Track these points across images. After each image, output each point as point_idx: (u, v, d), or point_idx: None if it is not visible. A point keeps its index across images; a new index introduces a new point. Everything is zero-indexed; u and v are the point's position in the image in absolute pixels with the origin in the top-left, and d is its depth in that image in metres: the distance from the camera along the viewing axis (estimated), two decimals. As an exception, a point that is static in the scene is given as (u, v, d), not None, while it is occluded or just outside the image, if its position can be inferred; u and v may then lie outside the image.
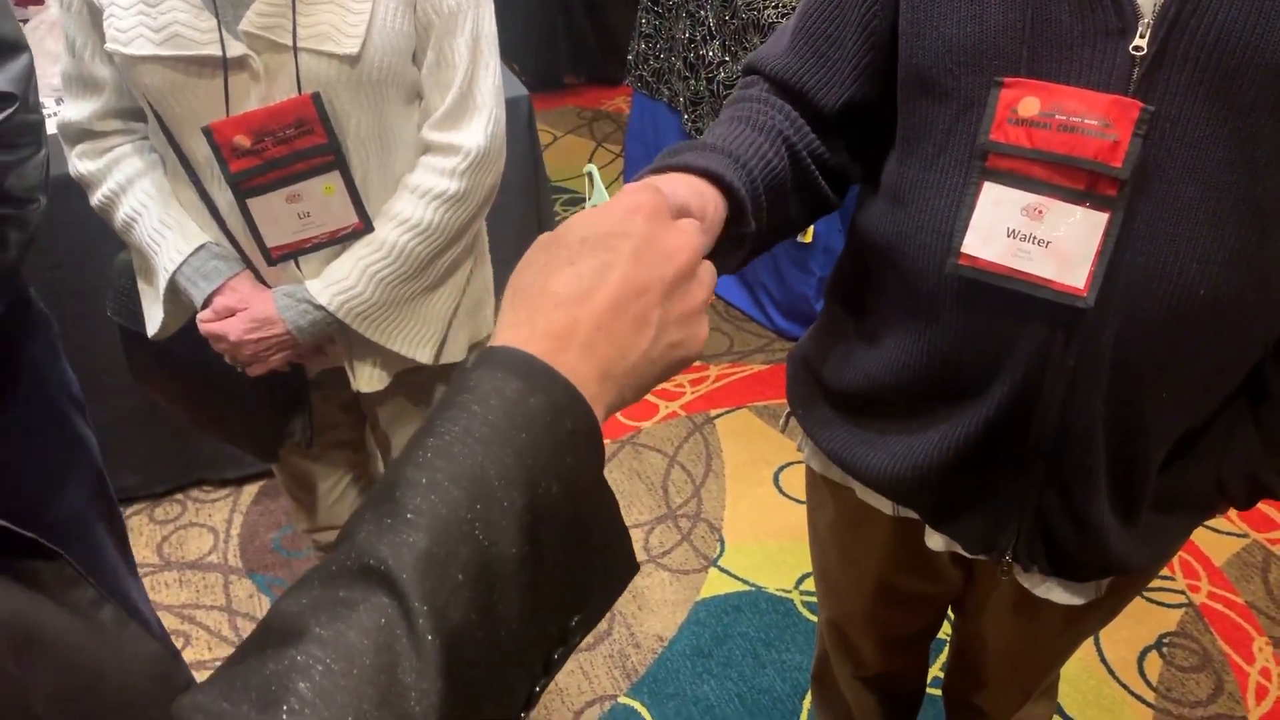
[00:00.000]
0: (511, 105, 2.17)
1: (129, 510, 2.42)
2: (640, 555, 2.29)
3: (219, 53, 1.09)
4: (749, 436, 2.60)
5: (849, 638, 1.45)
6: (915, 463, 1.06)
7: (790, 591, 2.19)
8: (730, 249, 0.88)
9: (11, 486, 1.29)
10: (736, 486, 2.47)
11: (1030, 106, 0.87)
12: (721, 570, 2.25)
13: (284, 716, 0.37)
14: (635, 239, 0.55)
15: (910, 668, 1.54)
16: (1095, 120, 0.84)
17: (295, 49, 1.09)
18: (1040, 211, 0.88)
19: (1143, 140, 0.83)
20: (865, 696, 1.54)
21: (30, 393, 1.29)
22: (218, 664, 2.05)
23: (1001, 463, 1.01)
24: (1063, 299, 0.88)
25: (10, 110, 1.07)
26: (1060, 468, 0.99)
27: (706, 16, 2.80)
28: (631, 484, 2.48)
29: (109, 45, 1.11)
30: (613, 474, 2.51)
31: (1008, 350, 0.95)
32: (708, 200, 0.79)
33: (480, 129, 1.20)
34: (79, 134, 1.23)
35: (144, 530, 2.38)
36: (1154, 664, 2.05)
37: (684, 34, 2.92)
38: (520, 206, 2.27)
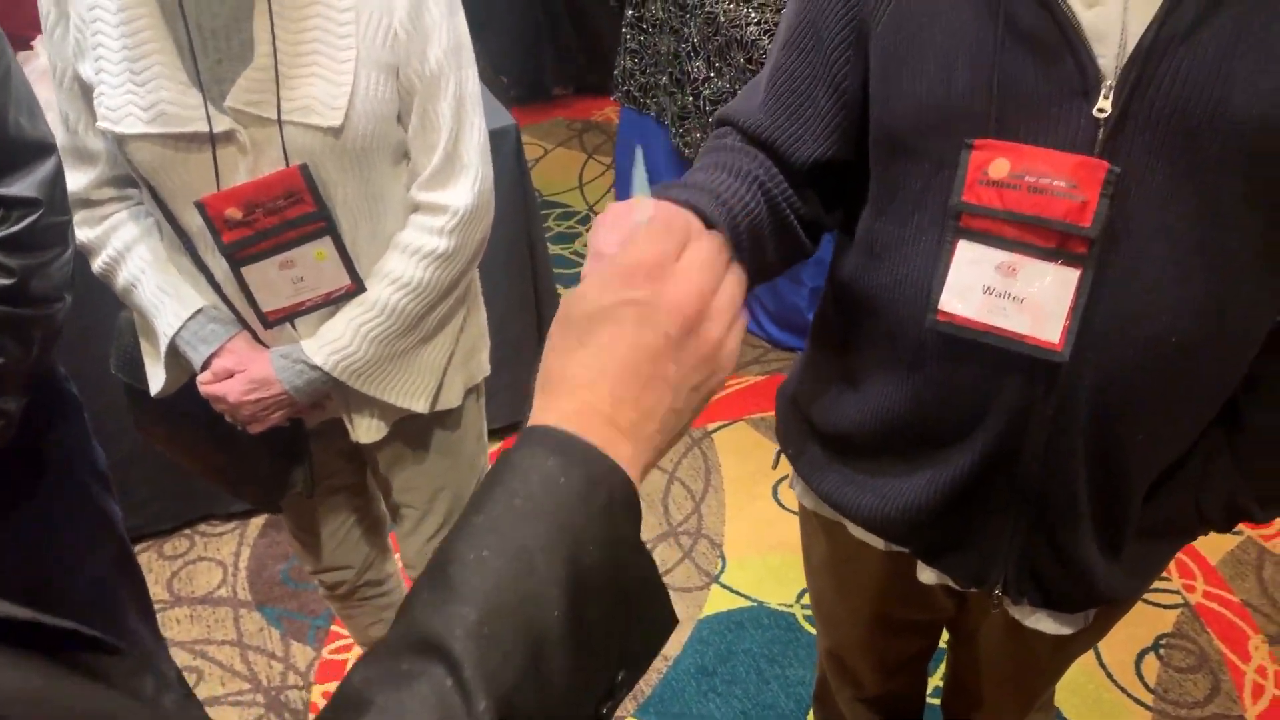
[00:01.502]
0: (499, 136, 2.20)
1: (138, 548, 2.45)
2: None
3: (206, 129, 1.11)
4: (746, 450, 2.63)
5: (847, 664, 1.48)
6: (904, 505, 1.09)
7: (791, 606, 2.22)
8: None
9: (40, 561, 1.32)
10: (735, 501, 2.50)
11: (1000, 168, 0.90)
12: (723, 587, 2.28)
13: None
14: (638, 305, 0.57)
15: (908, 687, 1.57)
16: (1063, 182, 0.87)
17: (280, 122, 1.12)
18: (1014, 269, 0.91)
19: (1110, 200, 0.86)
20: (866, 716, 1.57)
21: (59, 476, 1.32)
22: (231, 699, 2.08)
23: (988, 505, 1.04)
24: (1039, 353, 0.91)
25: (36, 215, 1.09)
26: (1045, 509, 1.02)
27: (690, 33, 2.82)
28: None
29: (100, 124, 1.13)
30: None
31: (989, 400, 0.97)
32: (695, 232, 0.82)
33: (468, 188, 1.23)
34: (77, 203, 1.26)
35: (154, 566, 2.41)
36: (1151, 666, 2.08)
37: (669, 50, 2.94)
38: (510, 234, 2.29)
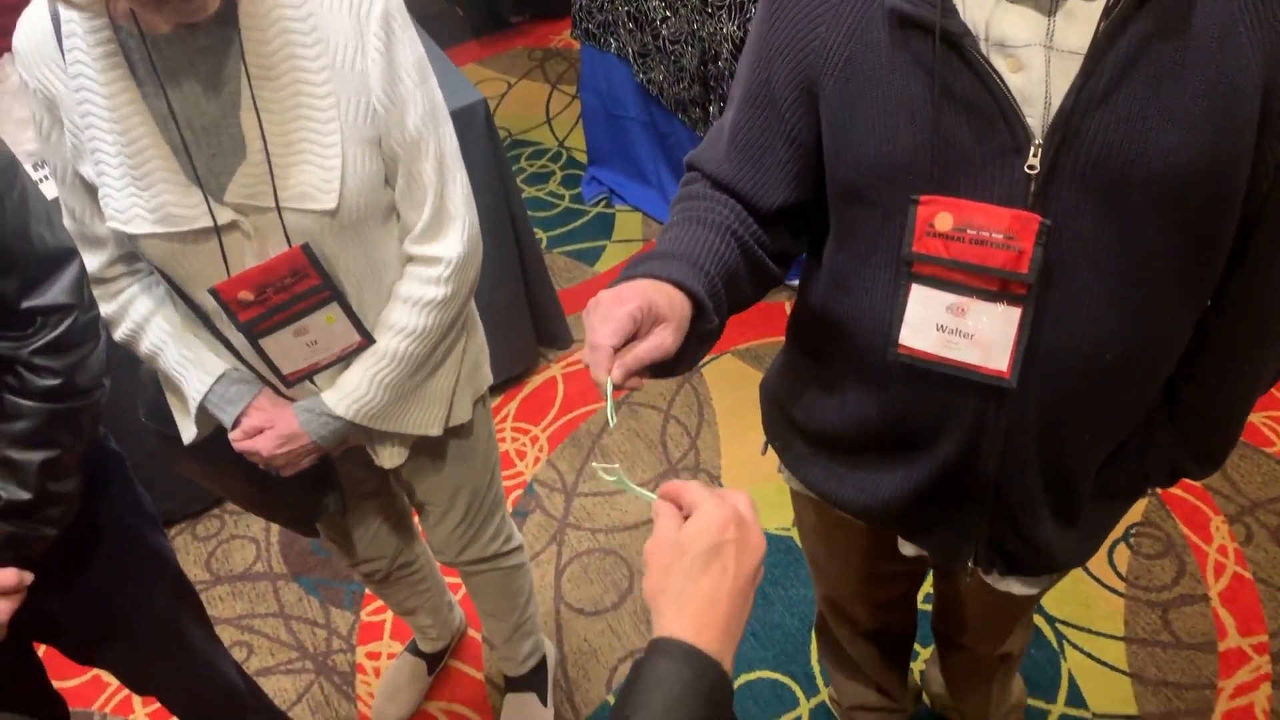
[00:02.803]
0: (467, 113, 2.25)
1: (172, 532, 2.59)
2: (648, 513, 2.47)
3: (211, 223, 1.19)
4: (735, 381, 2.76)
5: (842, 607, 1.64)
6: (882, 498, 1.22)
7: (789, 529, 2.39)
8: (697, 344, 1.02)
9: (111, 607, 1.45)
10: (729, 433, 2.65)
11: (945, 221, 1.00)
12: (725, 517, 2.43)
13: None
14: (734, 545, 0.78)
15: (901, 618, 1.74)
16: (1001, 234, 0.97)
17: (279, 209, 1.20)
18: (963, 310, 1.02)
19: (1044, 248, 0.96)
20: (864, 647, 1.74)
21: (115, 530, 1.44)
22: (283, 669, 2.26)
23: (956, 497, 1.18)
24: (990, 380, 1.03)
25: (71, 319, 1.18)
26: (1005, 501, 1.15)
27: (644, -29, 2.82)
28: (632, 444, 2.65)
29: (109, 223, 1.21)
30: (615, 436, 2.68)
31: (949, 416, 1.10)
32: (675, 304, 0.95)
33: (457, 238, 1.31)
34: (92, 281, 1.34)
35: (190, 549, 2.56)
36: (1123, 555, 2.26)
37: (623, -14, 2.94)
38: (491, 207, 2.36)
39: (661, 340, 0.91)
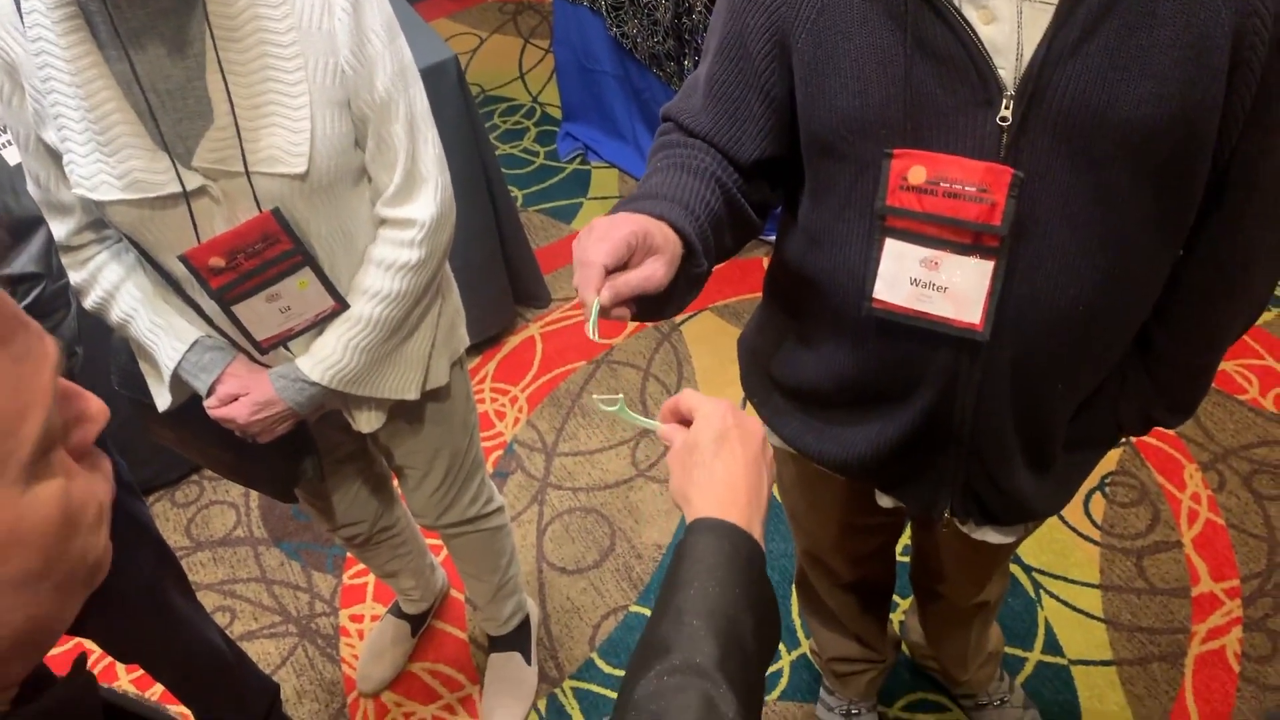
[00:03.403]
0: (438, 71, 2.22)
1: (150, 499, 2.58)
2: (629, 470, 2.49)
3: (179, 189, 1.17)
4: (713, 339, 2.76)
5: (822, 560, 1.66)
6: (858, 452, 1.23)
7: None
8: (686, 287, 1.02)
9: None
10: (708, 390, 2.65)
11: (918, 174, 0.99)
12: (705, 474, 2.44)
13: None
14: (736, 429, 0.85)
15: (880, 569, 1.75)
16: (974, 187, 0.97)
17: (249, 174, 1.18)
18: (936, 263, 1.02)
19: (1016, 200, 0.96)
20: (844, 599, 1.76)
21: None
22: (266, 632, 2.27)
23: (932, 449, 1.18)
24: (963, 333, 1.03)
25: (40, 287, 1.16)
26: (980, 451, 1.16)
27: (615, -78, 2.78)
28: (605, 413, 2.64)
29: (75, 190, 1.18)
30: (593, 395, 2.68)
31: (924, 369, 1.10)
32: (669, 239, 0.96)
33: (430, 199, 1.30)
34: (60, 249, 1.32)
35: (169, 515, 2.55)
36: (1098, 504, 2.29)
37: (595, -62, 2.89)
38: (464, 165, 2.34)
39: (654, 270, 0.91)
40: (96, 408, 0.52)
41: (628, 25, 2.94)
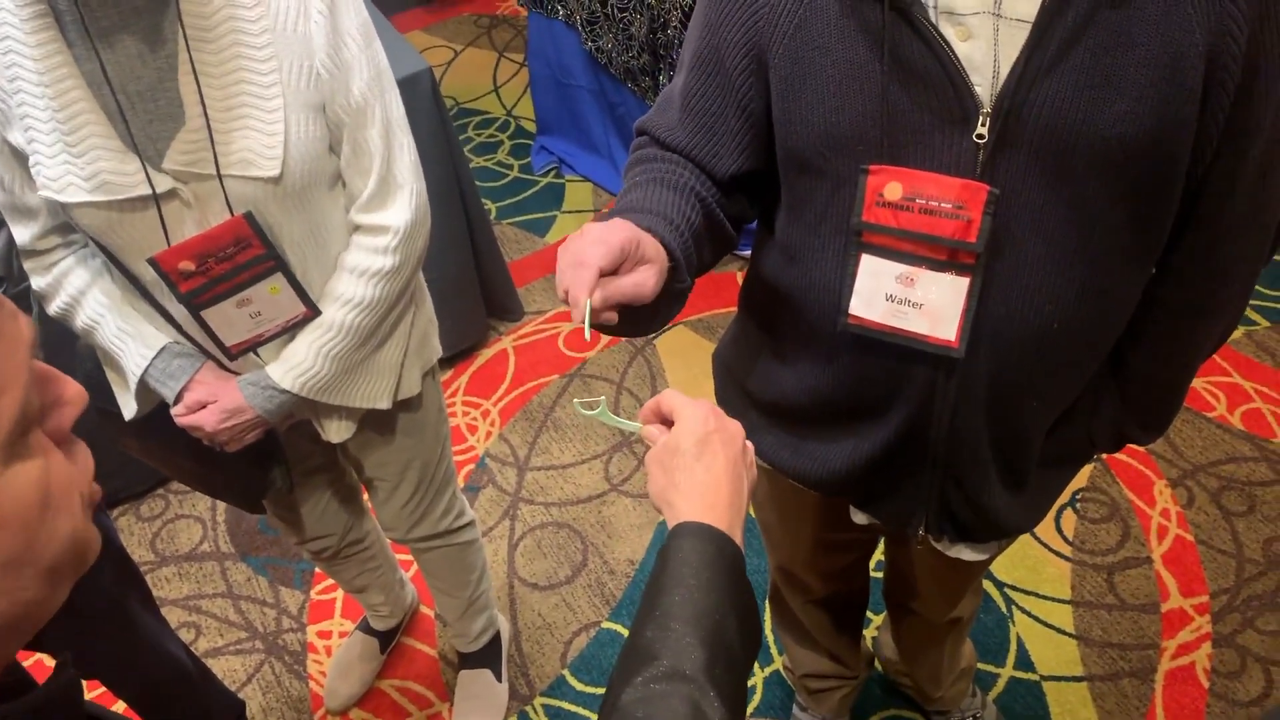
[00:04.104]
0: (413, 82, 2.21)
1: (115, 513, 2.54)
2: (602, 485, 2.48)
3: (149, 191, 1.15)
4: (687, 352, 2.76)
5: (796, 576, 1.65)
6: (833, 468, 1.22)
7: (743, 500, 2.39)
8: (668, 302, 1.02)
9: None
10: (682, 404, 2.64)
11: (894, 191, 0.99)
12: (678, 489, 2.44)
13: None
14: (718, 433, 0.85)
15: (853, 585, 1.75)
16: (950, 204, 0.97)
17: (220, 177, 1.16)
18: (911, 280, 1.02)
19: (992, 217, 0.96)
20: (817, 615, 1.75)
21: None
22: (232, 649, 2.23)
23: (906, 466, 1.18)
24: (939, 350, 1.03)
25: (0, 291, 1.13)
26: (955, 467, 1.16)
27: (591, -64, 2.78)
28: (586, 417, 2.63)
29: (41, 192, 1.16)
30: (567, 409, 2.67)
31: (899, 385, 1.10)
32: (659, 254, 0.95)
33: (405, 206, 1.29)
34: (24, 253, 1.29)
35: (134, 529, 2.51)
36: (1069, 520, 2.30)
37: (571, -48, 2.90)
38: (439, 178, 2.32)
39: (646, 278, 0.91)
40: (74, 391, 0.51)
41: (603, 40, 2.95)
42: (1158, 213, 1.00)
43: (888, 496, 1.24)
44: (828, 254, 1.07)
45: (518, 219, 3.29)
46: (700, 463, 0.83)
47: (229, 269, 1.21)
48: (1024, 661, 2.06)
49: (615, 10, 2.82)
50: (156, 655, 1.64)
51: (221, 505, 2.55)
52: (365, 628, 2.17)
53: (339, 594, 2.33)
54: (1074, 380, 1.13)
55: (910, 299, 1.03)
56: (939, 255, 1.00)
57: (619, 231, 0.90)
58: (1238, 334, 2.65)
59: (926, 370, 1.07)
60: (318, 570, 2.38)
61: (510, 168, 3.49)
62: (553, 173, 3.44)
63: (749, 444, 0.90)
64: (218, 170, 1.16)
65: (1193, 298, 1.10)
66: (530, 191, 3.39)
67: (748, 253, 1.39)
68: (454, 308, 2.58)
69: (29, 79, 1.13)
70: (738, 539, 0.81)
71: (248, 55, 1.14)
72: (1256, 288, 1.75)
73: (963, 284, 1.00)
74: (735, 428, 0.87)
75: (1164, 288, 1.09)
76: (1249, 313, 2.70)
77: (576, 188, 3.38)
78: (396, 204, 1.29)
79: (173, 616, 2.31)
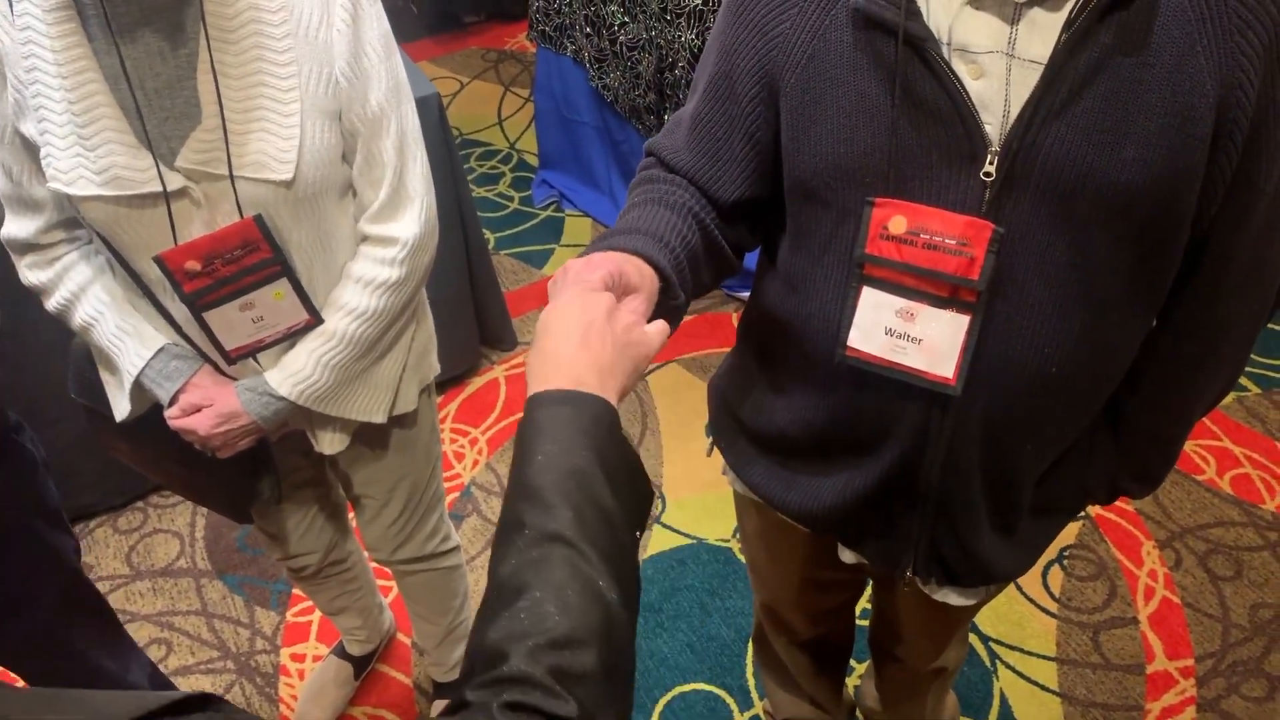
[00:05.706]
0: (421, 106, 2.22)
1: (92, 523, 2.51)
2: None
3: (160, 188, 1.15)
4: (679, 391, 2.75)
5: (781, 615, 1.63)
6: (824, 503, 1.21)
7: (729, 540, 2.38)
8: (668, 319, 1.01)
9: None
10: (672, 443, 2.63)
11: (899, 224, 0.99)
12: (665, 526, 2.42)
13: (524, 602, 0.65)
14: (574, 303, 0.84)
15: (839, 628, 1.73)
16: (954, 240, 0.97)
17: (233, 178, 1.16)
18: (912, 315, 1.01)
19: (995, 256, 0.96)
20: (800, 657, 1.73)
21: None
22: (202, 668, 2.19)
23: (897, 503, 1.17)
24: (936, 387, 1.02)
25: None
26: (946, 508, 1.15)
27: (604, -24, 2.82)
28: (573, 449, 2.62)
29: (51, 184, 1.16)
30: (555, 441, 2.65)
31: (894, 420, 1.09)
32: (646, 276, 0.95)
33: (414, 219, 1.28)
34: (25, 247, 1.28)
35: (110, 542, 2.48)
36: (1056, 576, 2.28)
37: (583, -10, 2.93)
38: (439, 205, 2.32)
39: (635, 307, 0.90)
40: None
41: (610, 77, 2.97)
42: (1161, 262, 1.00)
43: (877, 535, 1.23)
44: (829, 285, 1.07)
45: (516, 250, 3.29)
46: (546, 337, 0.82)
47: (235, 271, 1.20)
48: (1007, 717, 2.03)
49: (624, 49, 2.84)
50: (96, 681, 1.58)
51: (200, 521, 2.52)
52: (340, 652, 2.13)
53: (315, 617, 2.29)
54: (1070, 426, 1.12)
55: (910, 334, 1.02)
56: (941, 291, 0.99)
57: (599, 267, 0.89)
58: (1229, 400, 2.66)
59: (922, 407, 1.07)
60: (295, 592, 2.34)
61: (511, 199, 3.50)
62: (553, 206, 3.45)
63: (631, 310, 0.88)
64: (230, 171, 1.16)
65: (1192, 351, 1.09)
66: (529, 224, 3.40)
67: (744, 294, 1.39)
68: (448, 334, 2.55)
69: (47, 70, 1.13)
70: (610, 396, 0.78)
71: (268, 58, 1.15)
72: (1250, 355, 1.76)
73: (963, 322, 1.00)
74: (602, 298, 0.86)
75: (1164, 339, 1.09)
76: (1241, 379, 2.71)
77: (576, 222, 3.39)
78: (406, 216, 1.28)
79: (143, 633, 2.27)
